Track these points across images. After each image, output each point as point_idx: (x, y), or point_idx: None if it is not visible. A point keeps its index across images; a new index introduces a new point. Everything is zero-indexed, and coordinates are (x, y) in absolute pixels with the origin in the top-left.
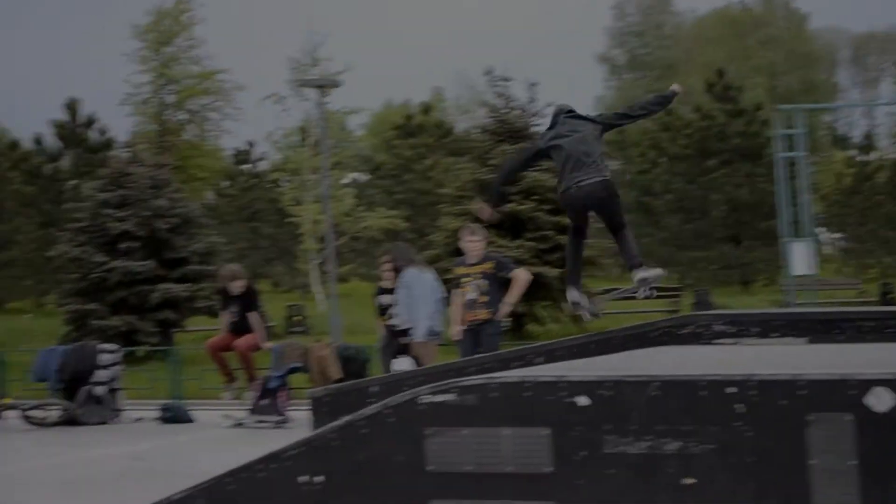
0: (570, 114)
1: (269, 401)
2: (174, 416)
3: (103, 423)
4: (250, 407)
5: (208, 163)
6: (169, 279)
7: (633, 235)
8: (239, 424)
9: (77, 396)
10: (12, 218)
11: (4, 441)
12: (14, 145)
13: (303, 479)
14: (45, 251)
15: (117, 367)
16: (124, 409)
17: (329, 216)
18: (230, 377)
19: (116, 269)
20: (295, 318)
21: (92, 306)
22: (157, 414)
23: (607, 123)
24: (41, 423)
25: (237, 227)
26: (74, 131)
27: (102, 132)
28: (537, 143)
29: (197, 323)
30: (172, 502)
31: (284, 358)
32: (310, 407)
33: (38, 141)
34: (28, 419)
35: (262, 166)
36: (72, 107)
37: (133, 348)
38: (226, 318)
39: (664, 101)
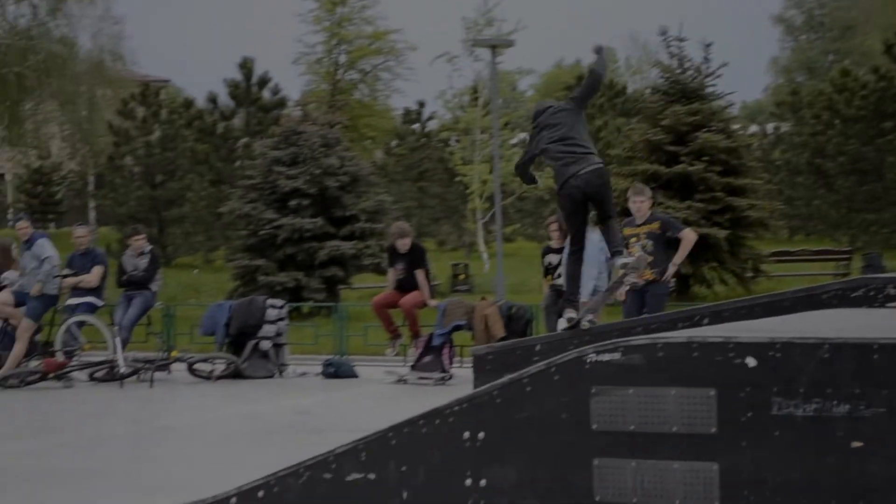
0: (548, 110)
1: (433, 358)
2: (338, 371)
3: (268, 377)
4: (413, 363)
5: (378, 122)
6: (337, 237)
7: (618, 225)
8: (402, 381)
9: (243, 351)
10: (185, 175)
11: (171, 393)
12: (188, 104)
13: (465, 435)
14: (215, 208)
15: (283, 323)
16: (289, 364)
17: (498, 176)
18: (395, 334)
19: (285, 225)
20: (460, 277)
21: (260, 262)
22: (321, 369)
23: (579, 99)
24: (207, 377)
25: (405, 186)
26: (248, 90)
27: (275, 91)
28: (529, 151)
29: (363, 280)
30: (336, 456)
31: (449, 316)
32: (473, 364)
33: (212, 100)
34: (194, 372)
35: (432, 126)
36: (246, 66)
37: (299, 304)
38: (392, 276)
39: (597, 65)
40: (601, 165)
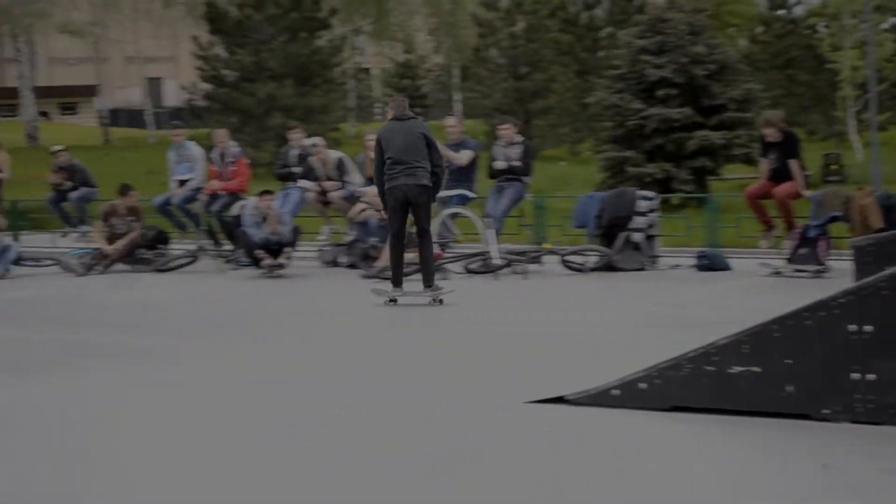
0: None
1: (808, 250)
2: (711, 263)
3: (640, 269)
4: (788, 256)
5: (742, 9)
6: (706, 126)
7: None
8: (777, 273)
9: (615, 242)
10: (549, 66)
11: (545, 285)
12: None
13: (851, 327)
14: (581, 99)
15: (654, 214)
16: (661, 256)
17: (870, 62)
18: (768, 225)
19: (653, 116)
20: (831, 167)
21: (628, 153)
22: (693, 261)
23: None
24: (579, 269)
25: (772, 74)
26: None
27: None
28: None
29: (732, 171)
30: (718, 348)
31: (824, 206)
32: (853, 256)
33: None
34: (567, 265)
35: (798, 12)
36: None
37: (668, 195)
38: (765, 166)
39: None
40: (423, 183)
